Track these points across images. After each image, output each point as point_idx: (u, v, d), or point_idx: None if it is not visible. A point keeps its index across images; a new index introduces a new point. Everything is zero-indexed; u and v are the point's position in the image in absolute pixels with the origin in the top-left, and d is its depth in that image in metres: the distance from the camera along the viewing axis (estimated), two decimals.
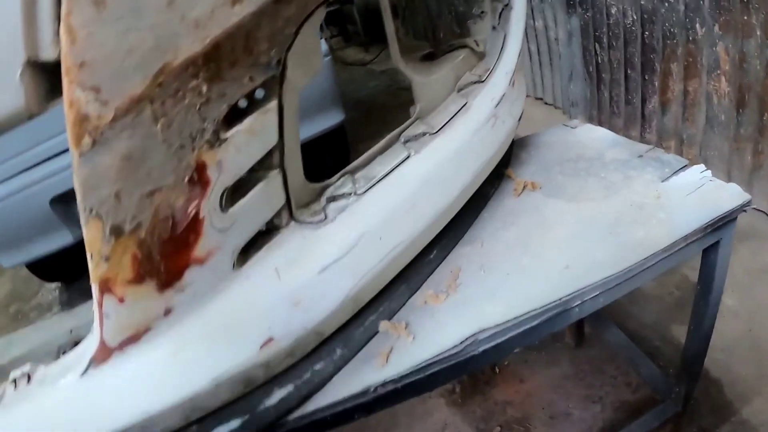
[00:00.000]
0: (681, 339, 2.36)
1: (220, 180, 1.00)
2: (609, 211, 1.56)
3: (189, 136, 0.95)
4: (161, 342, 1.06)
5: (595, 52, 3.24)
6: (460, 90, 1.58)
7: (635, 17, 2.87)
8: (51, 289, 4.21)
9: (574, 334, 2.41)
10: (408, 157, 1.35)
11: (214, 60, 0.93)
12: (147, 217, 0.95)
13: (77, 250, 3.63)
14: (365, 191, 1.26)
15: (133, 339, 1.05)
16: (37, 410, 1.10)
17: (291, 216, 1.17)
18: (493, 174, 1.66)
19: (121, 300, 1.00)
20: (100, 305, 1.01)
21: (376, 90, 5.98)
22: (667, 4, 2.64)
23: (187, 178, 0.97)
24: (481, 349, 1.26)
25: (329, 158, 3.71)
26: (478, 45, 1.66)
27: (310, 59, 1.12)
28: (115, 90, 0.88)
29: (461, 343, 1.25)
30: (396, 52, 1.39)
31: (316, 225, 1.20)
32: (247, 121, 1.02)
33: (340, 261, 1.18)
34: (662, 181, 1.64)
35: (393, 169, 1.32)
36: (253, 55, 0.99)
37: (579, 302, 1.33)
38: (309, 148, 3.43)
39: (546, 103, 4.21)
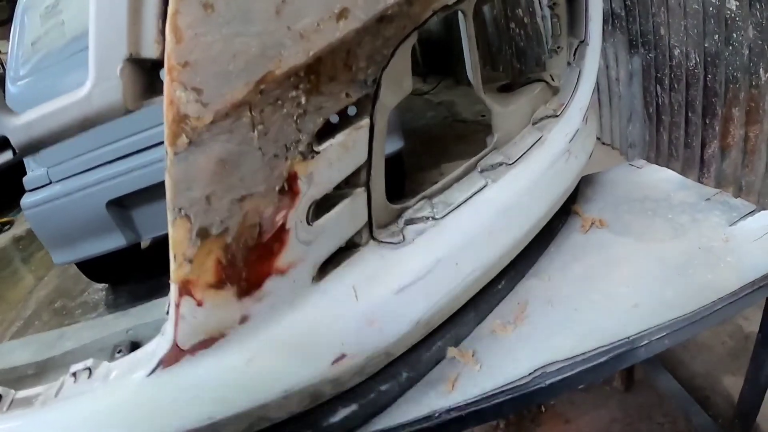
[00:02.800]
0: (732, 390, 2.23)
1: (309, 192, 0.95)
2: (677, 253, 1.47)
3: (284, 145, 0.91)
4: (234, 349, 1.01)
5: (656, 93, 3.13)
6: (534, 123, 1.52)
7: (698, 60, 2.76)
8: (98, 289, 4.19)
9: (624, 377, 2.28)
10: (485, 185, 1.29)
11: (315, 73, 0.89)
12: (235, 222, 0.91)
13: (128, 253, 3.71)
14: (443, 216, 1.20)
15: (207, 344, 1.00)
16: (97, 406, 1.05)
17: (371, 235, 1.12)
18: (561, 209, 1.58)
19: (200, 303, 0.95)
20: (178, 306, 0.96)
21: (433, 121, 5.88)
22: (731, 48, 2.54)
23: (278, 188, 0.92)
24: (548, 382, 1.18)
25: (386, 185, 3.65)
26: (553, 79, 1.60)
27: (402, 81, 1.07)
28: (217, 93, 0.84)
29: (529, 374, 1.18)
30: (478, 82, 1.33)
31: (394, 246, 1.13)
32: (340, 136, 0.97)
33: (416, 283, 1.11)
34: (730, 225, 1.55)
35: (471, 197, 1.26)
36: (352, 71, 0.95)
37: (646, 342, 1.24)
38: None
39: (604, 143, 4.10)
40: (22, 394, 1.16)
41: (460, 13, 1.20)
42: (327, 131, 0.98)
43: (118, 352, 1.58)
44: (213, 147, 0.86)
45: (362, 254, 1.10)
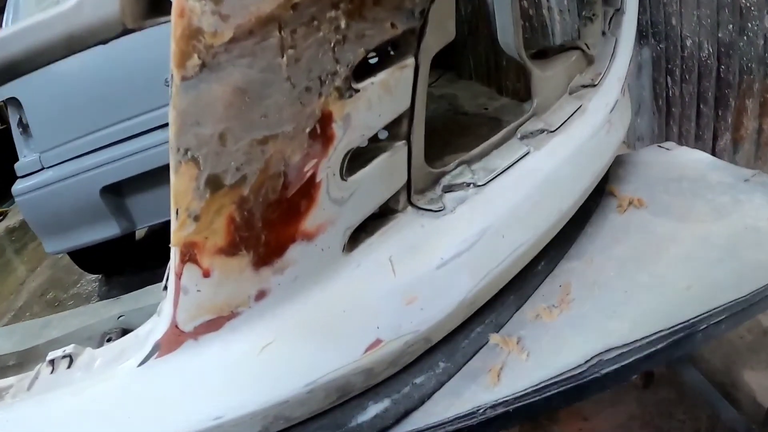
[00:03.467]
0: (753, 385, 2.05)
1: (345, 138, 0.74)
2: (723, 233, 1.28)
3: (318, 77, 0.69)
4: (248, 332, 0.79)
5: (667, 85, 2.94)
6: (572, 92, 1.32)
7: (711, 50, 2.58)
8: (91, 281, 3.88)
9: (643, 373, 2.08)
10: (528, 153, 1.08)
11: None
12: (255, 169, 0.69)
13: (122, 243, 3.46)
14: (485, 183, 0.99)
15: (213, 325, 0.78)
16: (77, 402, 0.83)
17: (408, 200, 0.90)
18: (596, 189, 1.39)
19: (207, 273, 0.73)
20: (179, 276, 0.74)
21: (435, 114, 5.65)
22: (746, 38, 2.36)
23: (308, 129, 0.70)
24: (604, 371, 0.98)
25: None
26: (588, 48, 1.40)
27: (446, 23, 0.86)
28: (240, 4, 0.62)
29: (585, 362, 0.97)
30: (519, 40, 1.13)
31: (434, 214, 0.92)
32: (383, 74, 0.76)
33: (460, 257, 0.90)
34: None
35: (513, 164, 1.05)
36: None
37: (705, 326, 1.06)
38: None
39: None
40: None
41: None
42: (366, 71, 0.76)
43: (108, 340, 1.35)
44: (231, 72, 0.64)
45: (399, 222, 0.89)
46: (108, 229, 2.96)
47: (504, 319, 1.07)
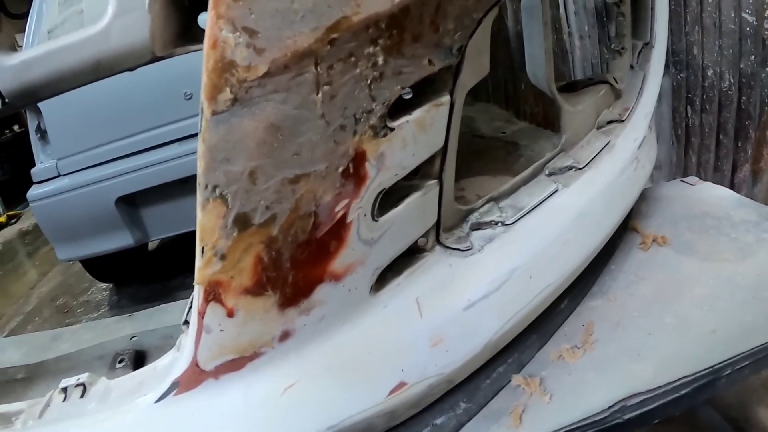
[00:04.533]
0: (767, 422, 2.00)
1: (378, 178, 0.71)
2: (748, 274, 1.24)
3: (353, 115, 0.66)
4: (271, 373, 0.76)
5: (686, 114, 2.90)
6: (600, 127, 1.29)
7: (732, 81, 2.54)
8: (101, 289, 3.83)
9: None
10: (557, 190, 1.05)
11: (399, 27, 0.64)
12: (285, 209, 0.66)
13: (134, 254, 3.43)
14: (514, 222, 0.96)
15: (235, 365, 0.75)
16: None
17: (437, 239, 0.87)
18: (620, 224, 1.35)
19: (231, 313, 0.70)
20: (202, 315, 0.71)
21: None
22: None
23: (341, 168, 0.67)
24: (627, 416, 0.95)
25: None
26: (617, 81, 1.37)
27: (482, 59, 0.83)
28: (276, 37, 0.59)
29: (609, 408, 0.93)
30: (550, 73, 1.11)
31: (463, 253, 0.89)
32: (419, 112, 0.73)
33: (488, 298, 0.86)
34: None
35: (542, 202, 1.02)
36: (439, 33, 0.70)
37: (729, 371, 1.03)
38: None
39: None
40: (1, 409, 0.90)
41: None
42: (399, 108, 0.74)
43: (120, 362, 1.31)
44: (264, 108, 0.62)
45: (427, 261, 0.85)
46: (121, 240, 2.93)
47: (526, 358, 1.04)
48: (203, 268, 0.68)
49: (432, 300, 0.83)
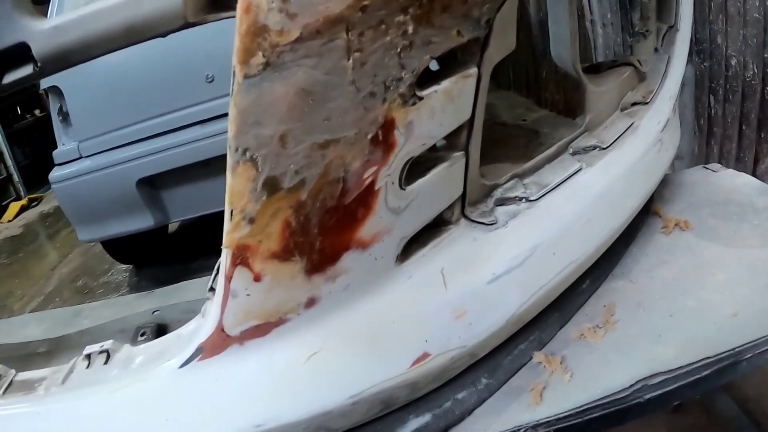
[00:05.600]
0: None
1: (406, 146, 0.71)
2: None
3: (383, 83, 0.66)
4: (295, 340, 0.76)
5: (709, 104, 2.86)
6: (623, 109, 1.28)
7: (756, 71, 2.51)
8: (121, 270, 3.86)
9: None
10: (580, 168, 1.04)
11: None
12: (314, 174, 0.66)
13: (155, 235, 3.46)
14: (538, 198, 0.95)
15: (260, 330, 0.75)
16: (114, 401, 0.80)
17: (462, 212, 0.87)
18: (642, 208, 1.34)
19: (258, 277, 0.71)
20: (229, 279, 0.71)
21: None
22: None
23: (370, 135, 0.67)
24: (647, 396, 0.94)
25: None
26: (641, 64, 1.36)
27: (509, 34, 0.83)
28: (308, 3, 0.59)
29: (630, 386, 0.93)
30: (576, 53, 1.10)
31: (487, 227, 0.88)
32: (447, 83, 0.72)
33: (512, 272, 0.86)
34: None
35: (566, 179, 1.01)
36: (467, 4, 0.70)
37: (750, 355, 1.02)
38: None
39: None
40: (24, 376, 0.91)
41: None
42: (428, 78, 0.73)
43: (142, 335, 1.32)
44: (296, 73, 0.62)
45: (452, 234, 0.85)
46: (142, 221, 2.95)
47: (548, 337, 1.04)
48: (232, 231, 0.68)
49: (456, 272, 0.83)
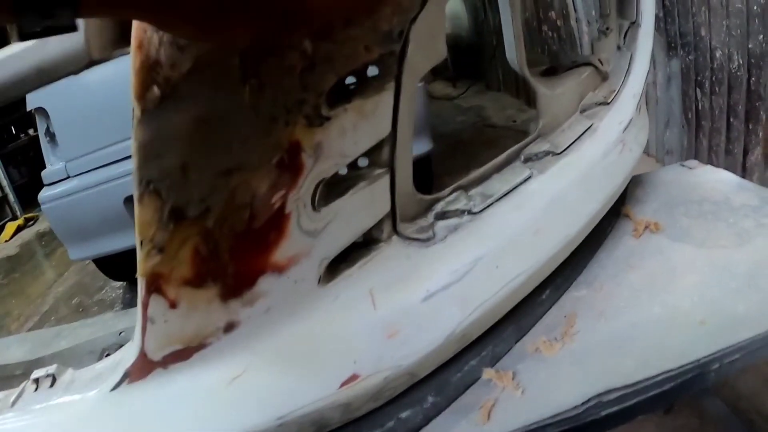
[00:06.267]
0: None
1: (316, 168, 0.71)
2: (745, 261, 1.20)
3: (284, 106, 0.66)
4: (218, 363, 0.76)
5: (696, 97, 2.84)
6: (583, 111, 1.26)
7: (741, 62, 2.48)
8: (115, 287, 3.92)
9: None
10: (530, 176, 1.04)
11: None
12: (219, 201, 0.66)
13: None
14: (481, 210, 0.95)
15: (182, 355, 0.76)
16: (51, 420, 0.83)
17: (394, 229, 0.87)
18: (610, 211, 1.32)
19: (173, 304, 0.71)
20: (146, 307, 0.72)
21: (463, 125, 5.48)
22: None
23: (275, 160, 0.68)
24: (603, 412, 0.92)
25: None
26: (602, 63, 1.35)
27: (435, 42, 0.82)
28: None
29: (583, 403, 0.92)
30: (522, 57, 1.09)
31: (422, 243, 0.88)
32: (358, 100, 0.72)
33: (449, 288, 0.86)
34: None
35: (513, 189, 1.00)
36: (374, 16, 0.70)
37: (717, 365, 0.99)
38: None
39: None
40: None
41: None
42: (342, 96, 0.73)
43: (106, 356, 1.35)
44: (191, 104, 0.63)
45: (383, 252, 0.85)
46: (132, 238, 2.96)
47: (502, 351, 1.03)
48: (143, 260, 0.69)
49: (387, 291, 0.83)
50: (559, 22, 3.33)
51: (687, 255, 1.25)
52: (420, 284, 0.85)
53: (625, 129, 1.26)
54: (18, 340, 1.98)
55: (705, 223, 1.36)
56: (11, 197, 7.04)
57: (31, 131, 7.57)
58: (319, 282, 0.78)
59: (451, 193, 0.97)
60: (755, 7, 2.36)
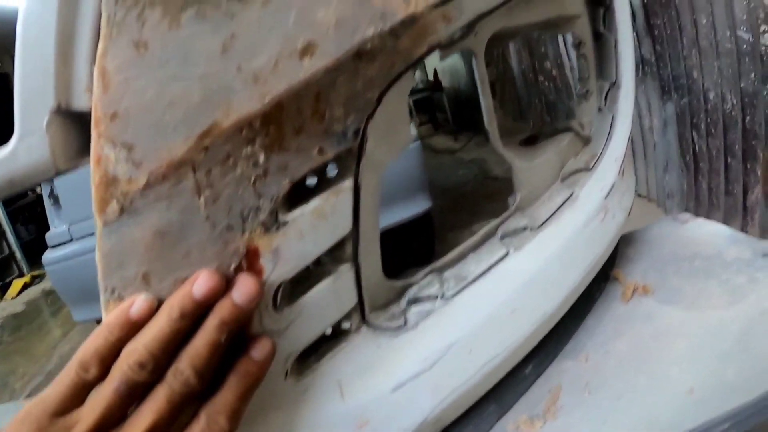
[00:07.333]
0: None
1: (275, 272, 0.73)
2: (736, 321, 1.19)
3: (239, 214, 0.70)
4: None
5: (693, 140, 2.87)
6: (564, 179, 1.28)
7: (735, 102, 2.51)
8: None
9: None
10: (506, 254, 1.05)
11: (275, 123, 0.68)
12: None
13: None
14: (455, 294, 0.97)
15: None
16: None
17: (363, 319, 0.89)
18: (599, 275, 1.33)
19: None
20: None
21: (464, 178, 5.54)
22: None
23: (233, 266, 0.70)
24: None
25: (414, 246, 3.46)
26: (583, 128, 1.37)
27: (397, 133, 0.86)
28: (151, 150, 0.64)
29: None
30: (494, 132, 1.11)
31: (393, 331, 0.90)
32: (315, 202, 0.75)
33: (420, 377, 0.87)
34: None
35: (488, 269, 1.02)
36: (325, 121, 0.73)
37: None
38: (393, 235, 3.22)
39: (639, 195, 3.79)
40: None
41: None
42: (302, 196, 0.76)
43: None
44: (150, 216, 0.66)
45: (352, 343, 0.87)
46: None
47: (483, 431, 1.03)
48: None
49: (356, 382, 0.84)
50: (554, 72, 3.39)
51: (677, 318, 1.25)
52: (390, 373, 0.86)
53: (608, 195, 1.27)
54: (4, 410, 2.00)
55: (696, 282, 1.36)
56: (18, 254, 7.16)
57: (38, 189, 7.72)
58: (287, 377, 0.80)
59: (425, 277, 0.99)
60: (744, 46, 2.40)
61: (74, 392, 0.65)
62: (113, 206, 0.65)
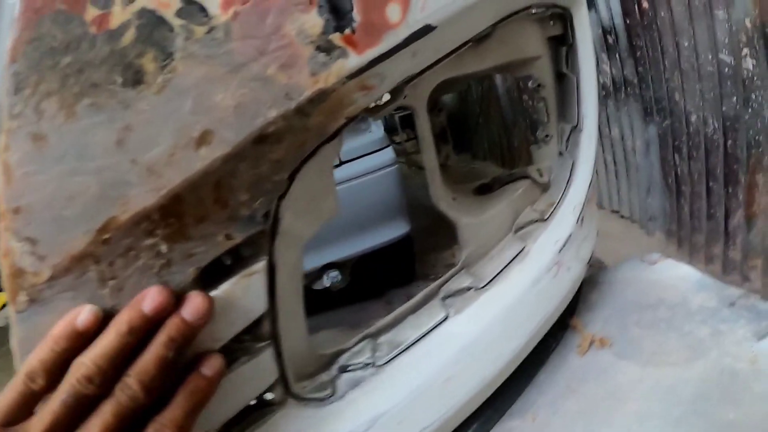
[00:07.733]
0: None
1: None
2: (693, 380, 1.17)
3: None
4: None
5: (675, 162, 2.87)
6: (517, 230, 1.26)
7: (716, 125, 2.51)
8: None
9: None
10: (446, 318, 1.04)
11: (175, 215, 0.68)
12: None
13: None
14: (387, 361, 0.96)
15: None
16: None
17: (287, 391, 0.88)
18: (557, 324, 1.31)
19: None
20: None
21: None
22: (750, 110, 2.28)
23: None
24: None
25: (394, 269, 3.44)
26: (541, 175, 1.34)
27: (318, 205, 0.86)
28: (53, 244, 0.64)
29: None
30: (437, 188, 1.10)
31: (320, 402, 0.90)
32: (224, 287, 0.75)
33: None
34: (759, 340, 1.23)
35: (425, 334, 1.01)
36: (229, 208, 0.73)
37: None
38: (373, 259, 3.20)
39: (622, 216, 3.79)
40: None
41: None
42: (215, 278, 0.76)
43: None
44: (57, 306, 0.67)
45: (276, 416, 0.87)
46: None
47: None
48: None
49: None
50: (530, 102, 3.39)
51: (632, 375, 1.24)
52: None
53: (563, 247, 1.25)
54: None
55: (656, 335, 1.34)
56: None
57: None
58: None
59: (358, 343, 0.99)
60: (726, 69, 2.39)
61: (21, 402, 0.65)
62: (22, 296, 0.66)
